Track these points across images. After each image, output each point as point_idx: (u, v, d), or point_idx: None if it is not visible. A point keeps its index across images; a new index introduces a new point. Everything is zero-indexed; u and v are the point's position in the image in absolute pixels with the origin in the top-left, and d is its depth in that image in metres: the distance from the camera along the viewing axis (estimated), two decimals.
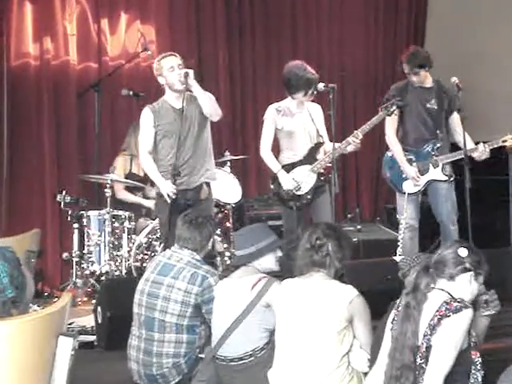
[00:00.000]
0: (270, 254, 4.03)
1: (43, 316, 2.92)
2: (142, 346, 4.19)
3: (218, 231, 6.48)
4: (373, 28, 8.70)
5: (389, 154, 5.91)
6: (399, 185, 5.78)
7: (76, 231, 6.44)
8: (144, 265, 6.14)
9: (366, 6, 8.68)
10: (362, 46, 8.64)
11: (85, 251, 6.43)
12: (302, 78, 5.58)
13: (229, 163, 7.19)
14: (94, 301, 5.76)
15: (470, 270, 3.06)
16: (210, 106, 5.27)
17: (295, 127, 5.67)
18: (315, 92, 5.61)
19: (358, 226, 7.64)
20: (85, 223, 6.44)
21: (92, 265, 6.41)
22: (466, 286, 3.07)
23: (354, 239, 6.26)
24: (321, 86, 5.48)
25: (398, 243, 5.69)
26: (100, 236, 6.42)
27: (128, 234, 6.45)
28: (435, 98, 5.67)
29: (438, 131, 5.66)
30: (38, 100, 7.22)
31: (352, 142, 5.52)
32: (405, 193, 5.71)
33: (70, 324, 5.16)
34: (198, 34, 7.91)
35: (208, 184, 5.47)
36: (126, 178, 6.82)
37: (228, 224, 6.92)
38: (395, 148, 5.77)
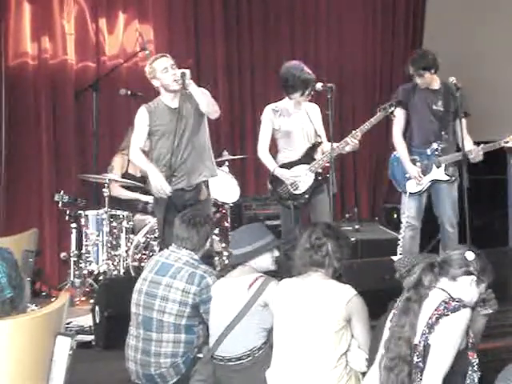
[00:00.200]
0: (266, 253, 4.02)
1: (41, 315, 2.91)
2: (139, 345, 4.19)
3: (216, 231, 6.48)
4: (371, 28, 8.71)
5: (395, 153, 5.95)
6: (403, 184, 5.82)
7: (74, 231, 6.44)
8: (142, 264, 6.13)
9: (365, 6, 8.69)
10: (360, 45, 8.65)
11: (83, 251, 6.43)
12: (299, 78, 5.58)
13: (227, 163, 7.20)
14: (91, 300, 5.75)
15: (472, 274, 3.07)
16: (207, 105, 5.27)
17: (292, 127, 5.67)
18: (312, 92, 5.62)
19: (357, 226, 7.64)
20: (83, 223, 6.44)
21: (90, 264, 6.42)
22: (467, 288, 3.07)
23: (353, 239, 6.26)
24: (319, 85, 5.48)
25: (399, 242, 5.74)
26: (98, 236, 6.42)
27: (126, 234, 6.44)
28: (442, 100, 5.68)
29: (443, 132, 5.68)
30: (35, 99, 7.22)
31: (350, 143, 5.53)
32: (406, 192, 5.76)
33: (67, 324, 5.17)
34: (196, 33, 7.91)
35: (207, 185, 5.47)
36: (123, 177, 6.81)
37: (226, 223, 6.93)
38: (399, 147, 5.82)
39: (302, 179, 5.63)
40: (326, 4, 8.54)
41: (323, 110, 5.61)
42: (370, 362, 3.28)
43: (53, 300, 3.32)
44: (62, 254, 6.60)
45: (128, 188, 6.86)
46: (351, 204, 8.44)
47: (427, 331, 2.92)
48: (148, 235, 6.40)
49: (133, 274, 6.19)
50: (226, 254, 6.49)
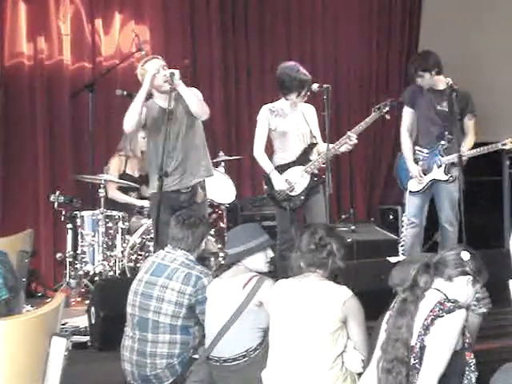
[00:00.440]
0: (259, 253, 4.00)
1: (36, 316, 2.90)
2: (135, 346, 4.18)
3: (212, 232, 6.47)
4: (367, 28, 8.71)
5: None
6: (405, 183, 5.89)
7: (70, 231, 6.43)
8: (138, 265, 6.13)
9: (361, 6, 8.69)
10: (357, 46, 8.64)
11: (78, 251, 6.42)
12: (295, 78, 5.58)
13: (223, 164, 7.20)
14: (87, 301, 5.74)
15: (468, 274, 3.07)
16: (196, 105, 5.26)
17: (288, 128, 5.67)
18: (308, 93, 5.62)
19: (353, 227, 7.63)
20: (78, 223, 6.43)
21: (86, 265, 6.41)
22: (463, 288, 3.07)
23: (349, 240, 6.28)
24: (315, 86, 5.49)
25: (399, 241, 5.80)
26: (94, 236, 6.42)
27: (122, 235, 6.44)
28: (447, 101, 5.70)
29: (446, 133, 5.71)
30: (31, 100, 7.21)
31: (346, 143, 5.54)
32: (408, 190, 5.85)
33: (63, 324, 5.14)
34: (192, 34, 7.91)
35: (203, 187, 5.46)
36: (120, 178, 6.79)
37: (222, 224, 6.92)
38: (403, 146, 5.92)
39: (297, 181, 5.63)
40: (322, 5, 8.54)
41: (319, 111, 5.62)
42: (366, 363, 3.28)
43: (48, 301, 3.31)
44: (58, 255, 6.58)
45: (124, 190, 6.84)
46: (347, 205, 8.43)
47: (423, 332, 2.92)
48: (144, 236, 6.39)
49: (128, 275, 6.18)
50: (221, 254, 6.47)
